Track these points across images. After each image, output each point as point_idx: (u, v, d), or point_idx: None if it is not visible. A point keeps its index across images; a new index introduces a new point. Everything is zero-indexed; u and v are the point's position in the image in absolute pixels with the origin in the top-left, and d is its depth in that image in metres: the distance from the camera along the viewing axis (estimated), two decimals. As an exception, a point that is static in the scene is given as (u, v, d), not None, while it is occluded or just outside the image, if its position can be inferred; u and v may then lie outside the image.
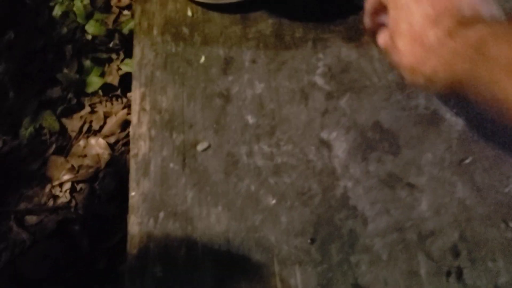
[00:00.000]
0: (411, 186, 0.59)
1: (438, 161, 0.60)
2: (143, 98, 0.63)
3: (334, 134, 0.61)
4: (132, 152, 0.61)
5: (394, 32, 0.47)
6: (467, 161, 0.59)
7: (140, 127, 0.62)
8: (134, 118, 0.63)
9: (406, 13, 0.46)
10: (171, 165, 0.60)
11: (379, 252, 0.56)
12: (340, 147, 0.61)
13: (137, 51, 0.66)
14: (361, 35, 0.65)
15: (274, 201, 0.58)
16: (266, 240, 0.57)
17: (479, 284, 0.54)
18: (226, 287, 0.55)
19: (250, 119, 0.62)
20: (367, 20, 0.54)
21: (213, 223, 0.58)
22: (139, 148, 0.61)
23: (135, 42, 0.67)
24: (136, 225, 0.57)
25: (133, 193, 0.59)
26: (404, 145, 0.60)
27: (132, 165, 0.61)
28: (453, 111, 0.62)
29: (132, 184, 0.60)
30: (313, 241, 0.57)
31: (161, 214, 0.58)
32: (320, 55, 0.64)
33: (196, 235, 0.57)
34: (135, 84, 0.64)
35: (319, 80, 0.64)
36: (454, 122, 0.61)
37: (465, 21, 0.42)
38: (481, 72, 0.39)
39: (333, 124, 0.62)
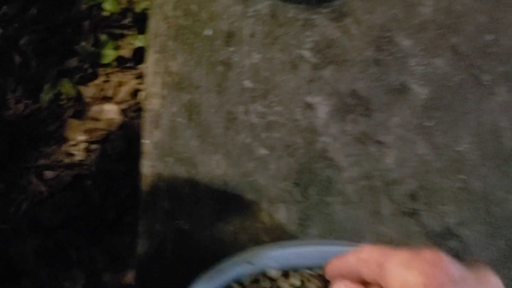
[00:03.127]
0: (380, 143, 0.68)
1: (404, 123, 0.69)
2: (157, 63, 0.72)
3: (317, 98, 0.70)
4: (146, 107, 0.70)
5: None
6: (429, 124, 0.69)
7: (153, 87, 0.71)
8: (149, 79, 0.71)
9: None
10: (179, 119, 0.69)
11: (350, 195, 0.65)
12: (322, 109, 0.70)
13: (152, 23, 0.75)
14: (344, 17, 0.74)
15: (265, 152, 0.67)
16: (257, 183, 0.66)
17: (432, 223, 0.64)
18: (223, 219, 0.64)
19: (247, 84, 0.71)
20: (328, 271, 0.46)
21: (213, 168, 0.66)
22: (152, 104, 0.70)
23: (151, 15, 0.76)
24: (148, 167, 0.66)
25: (146, 141, 0.68)
26: (376, 110, 0.70)
27: (146, 118, 0.69)
28: (419, 83, 0.71)
29: (145, 134, 0.69)
30: (296, 185, 0.66)
31: (170, 159, 0.67)
32: (309, 33, 0.73)
33: (198, 177, 0.66)
34: (150, 51, 0.73)
35: (307, 54, 0.73)
36: (419, 92, 0.70)
37: None
38: None
39: (317, 91, 0.71)
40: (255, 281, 0.56)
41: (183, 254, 0.61)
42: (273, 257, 0.54)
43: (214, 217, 0.63)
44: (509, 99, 0.69)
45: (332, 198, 0.64)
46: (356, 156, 0.66)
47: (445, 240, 0.62)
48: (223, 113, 0.69)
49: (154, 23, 0.74)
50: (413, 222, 0.63)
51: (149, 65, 0.71)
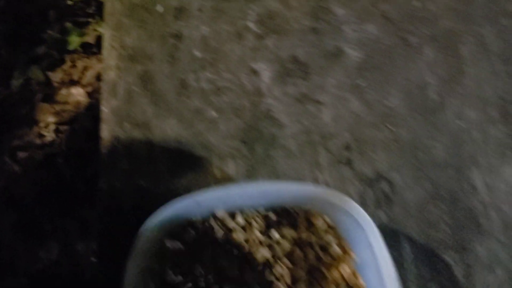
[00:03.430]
0: (317, 102, 0.75)
1: (339, 84, 0.76)
2: (112, 38, 0.78)
3: (261, 65, 0.77)
4: (103, 79, 0.76)
5: None
6: (361, 83, 0.76)
7: (110, 60, 0.77)
8: (105, 54, 0.77)
9: None
10: (134, 88, 0.75)
11: (292, 149, 0.72)
12: (266, 74, 0.76)
13: (108, 3, 0.81)
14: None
15: (215, 114, 0.74)
16: (208, 142, 0.72)
17: (364, 169, 0.71)
18: (178, 175, 0.70)
19: (197, 54, 0.77)
20: None
21: (167, 130, 0.72)
22: (109, 75, 0.76)
23: (106, -4, 0.82)
24: (107, 132, 0.72)
25: (104, 109, 0.74)
26: (314, 73, 0.76)
27: (104, 88, 0.75)
28: (353, 47, 0.78)
29: (103, 102, 0.74)
30: (243, 142, 0.72)
31: (127, 124, 0.73)
32: (252, 6, 0.80)
33: (154, 140, 0.72)
34: (106, 28, 0.79)
35: (251, 25, 0.79)
36: (353, 55, 0.77)
37: None
38: None
39: (261, 58, 0.77)
40: (205, 221, 0.62)
41: (142, 207, 0.67)
42: (219, 198, 0.60)
43: (169, 174, 0.69)
44: (435, 58, 0.76)
45: (276, 152, 0.70)
46: (296, 114, 0.73)
47: (377, 183, 0.69)
48: (175, 81, 0.75)
49: (110, 3, 0.79)
50: (347, 170, 0.70)
51: (105, 41, 0.77)
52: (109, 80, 0.74)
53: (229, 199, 0.60)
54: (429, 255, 0.65)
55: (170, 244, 0.59)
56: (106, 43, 0.76)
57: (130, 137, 0.71)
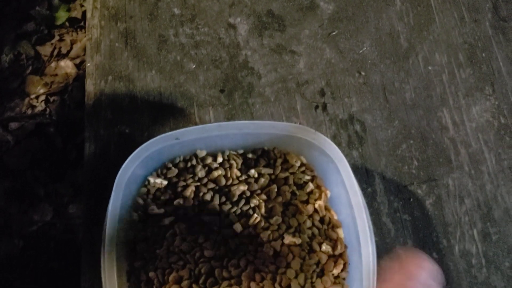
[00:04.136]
0: (293, 52, 0.78)
1: (313, 34, 0.79)
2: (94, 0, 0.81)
3: (238, 19, 0.80)
4: (87, 37, 0.79)
5: None
6: (334, 33, 0.79)
7: (93, 20, 0.80)
8: (88, 14, 0.80)
9: None
10: (117, 44, 0.78)
11: (268, 96, 0.75)
12: (243, 28, 0.79)
13: (89, -33, 0.84)
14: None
15: (194, 66, 0.77)
16: (188, 92, 0.75)
17: (338, 112, 0.74)
18: (159, 123, 0.73)
19: (176, 11, 0.80)
20: None
21: (148, 82, 0.75)
22: (93, 34, 0.79)
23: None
24: (91, 85, 0.75)
25: (88, 64, 0.76)
26: (289, 25, 0.79)
27: (88, 46, 0.78)
28: (326, 0, 0.81)
29: (87, 58, 0.77)
30: (222, 91, 0.75)
31: (110, 77, 0.75)
32: (228, -36, 0.83)
33: (136, 91, 0.75)
34: (88, -11, 0.82)
35: (228, -18, 0.82)
36: (326, 7, 0.80)
37: None
38: None
39: (238, 13, 0.80)
40: (187, 160, 0.65)
41: (125, 152, 0.69)
42: (200, 139, 0.63)
43: (151, 122, 0.72)
44: (405, 8, 0.79)
45: (253, 100, 0.73)
46: (273, 64, 0.76)
47: (350, 125, 0.72)
48: (156, 36, 0.78)
49: (91, -34, 0.82)
50: (322, 114, 0.73)
51: (89, 2, 0.80)
52: (93, 38, 0.77)
53: (209, 140, 0.63)
54: (401, 188, 0.68)
55: (153, 180, 0.62)
56: (89, 4, 0.79)
57: (113, 89, 0.73)
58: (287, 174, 0.65)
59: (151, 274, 0.56)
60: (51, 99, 1.07)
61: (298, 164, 0.66)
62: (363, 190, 0.66)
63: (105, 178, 0.68)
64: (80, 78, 1.07)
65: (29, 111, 1.06)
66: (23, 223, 0.96)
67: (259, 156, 0.66)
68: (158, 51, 0.76)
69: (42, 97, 1.07)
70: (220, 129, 0.62)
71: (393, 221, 0.67)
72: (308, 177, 0.65)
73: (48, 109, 1.06)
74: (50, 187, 0.98)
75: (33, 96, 1.07)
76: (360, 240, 0.55)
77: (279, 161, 0.66)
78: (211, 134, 0.61)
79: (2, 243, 0.94)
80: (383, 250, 0.65)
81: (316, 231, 0.61)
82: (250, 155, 0.66)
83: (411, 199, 0.68)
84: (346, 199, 0.60)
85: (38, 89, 1.07)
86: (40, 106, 1.06)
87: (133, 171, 0.60)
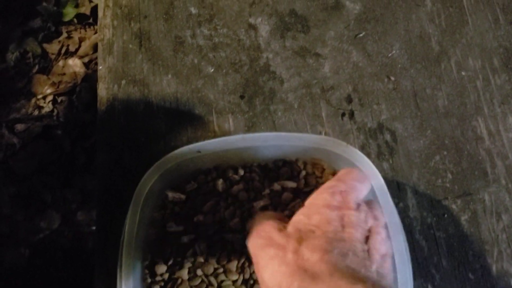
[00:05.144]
0: (317, 55, 0.73)
1: (339, 36, 0.74)
2: (107, -3, 0.76)
3: (259, 19, 0.75)
4: (99, 38, 0.74)
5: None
6: (361, 35, 0.74)
7: (105, 19, 0.75)
8: (100, 13, 0.75)
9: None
10: (130, 46, 0.73)
11: (291, 102, 0.70)
12: (264, 29, 0.75)
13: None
14: None
15: (212, 70, 0.72)
16: (206, 98, 0.71)
17: (366, 121, 0.69)
18: (176, 131, 0.69)
19: (193, 10, 0.75)
20: None
21: (164, 87, 0.71)
22: (105, 34, 0.74)
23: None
24: (104, 90, 0.71)
25: (100, 67, 0.72)
26: (313, 26, 0.75)
27: (100, 47, 0.74)
28: (352, 0, 0.76)
29: (100, 61, 0.73)
30: (242, 97, 0.71)
31: (123, 82, 0.71)
32: (248, -39, 0.78)
33: (151, 96, 0.70)
34: (100, -13, 0.77)
35: (248, -20, 0.77)
36: (352, 7, 0.76)
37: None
38: None
39: (259, 12, 0.76)
40: (207, 173, 0.61)
41: (140, 162, 0.65)
42: (221, 152, 0.59)
43: (167, 130, 0.68)
44: (436, 8, 0.74)
45: (275, 106, 0.69)
46: (296, 68, 0.71)
47: (380, 134, 0.67)
48: (172, 37, 0.73)
49: (103, -38, 0.77)
50: (349, 122, 0.68)
51: (100, 0, 0.75)
52: (105, 39, 0.72)
53: (231, 153, 0.59)
54: (434, 203, 0.64)
55: (172, 195, 0.57)
56: (101, 2, 0.74)
57: (127, 94, 0.69)
58: (311, 187, 0.61)
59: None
60: (59, 99, 1.03)
61: (325, 175, 0.61)
62: (394, 204, 0.62)
63: (119, 188, 0.64)
64: (89, 77, 1.03)
65: (36, 112, 1.01)
66: (29, 230, 0.92)
67: (282, 168, 0.62)
68: (174, 53, 0.71)
69: (49, 98, 1.02)
70: (244, 141, 0.57)
71: (426, 239, 0.62)
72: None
73: (55, 110, 1.01)
74: (57, 192, 0.94)
75: (40, 96, 1.02)
76: (396, 266, 0.51)
77: (303, 173, 0.62)
78: (234, 146, 0.56)
79: (8, 251, 0.90)
80: (416, 270, 0.61)
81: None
82: (272, 167, 0.62)
83: (445, 215, 0.63)
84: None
85: (45, 89, 1.03)
86: (47, 107, 1.01)
87: (151, 185, 0.55)
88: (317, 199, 0.43)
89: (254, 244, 0.41)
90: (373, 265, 0.39)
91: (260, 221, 0.43)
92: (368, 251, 0.40)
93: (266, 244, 0.40)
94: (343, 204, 0.42)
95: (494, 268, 0.62)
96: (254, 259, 0.41)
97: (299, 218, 0.41)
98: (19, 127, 0.98)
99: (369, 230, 0.42)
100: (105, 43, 0.72)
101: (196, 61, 0.71)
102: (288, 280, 0.35)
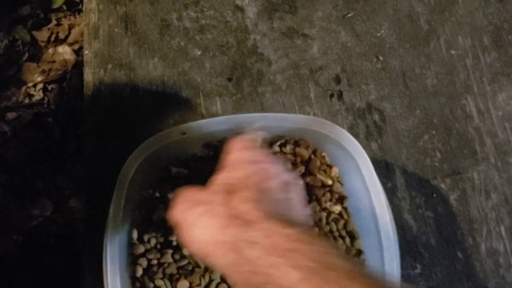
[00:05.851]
0: (305, 35, 0.72)
1: (327, 16, 0.73)
2: (91, -19, 0.75)
3: (246, 1, 0.74)
4: (84, 22, 0.73)
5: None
6: (349, 15, 0.73)
7: (90, 3, 0.74)
8: (85, -3, 0.75)
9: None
10: (116, 29, 0.72)
11: (280, 84, 0.69)
12: (251, 10, 0.74)
13: None
14: None
15: (199, 52, 0.71)
16: (193, 80, 0.70)
17: (355, 101, 0.68)
18: (163, 114, 0.68)
19: (179, -7, 0.74)
20: None
21: (151, 70, 0.70)
22: (90, 18, 0.73)
23: None
24: (90, 74, 0.70)
25: (86, 52, 0.71)
26: (300, 6, 0.74)
27: (85, 31, 0.73)
28: (339, -21, 0.75)
29: (85, 45, 0.72)
30: (230, 79, 0.70)
31: (109, 66, 0.70)
32: None
33: (137, 80, 0.70)
34: (84, -30, 0.76)
35: (234, -39, 0.76)
36: (340, -13, 0.74)
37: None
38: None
39: (245, -6, 0.74)
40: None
41: (127, 146, 0.64)
42: (207, 133, 0.58)
43: (154, 113, 0.67)
44: (424, -12, 0.73)
45: (263, 88, 0.68)
46: (283, 49, 0.70)
47: (368, 114, 0.67)
48: (158, 20, 0.72)
49: None
50: (338, 102, 0.67)
51: (85, -17, 0.74)
52: (91, 24, 0.71)
53: (218, 134, 0.58)
54: (423, 183, 0.63)
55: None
56: (85, -15, 0.73)
57: (113, 78, 0.68)
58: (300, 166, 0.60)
59: (158, 282, 0.51)
60: (49, 87, 1.02)
61: (315, 159, 0.61)
62: (383, 184, 0.61)
63: (106, 173, 0.63)
64: (79, 65, 1.02)
65: (26, 100, 1.01)
66: (22, 218, 0.91)
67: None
68: (161, 36, 0.71)
69: (40, 86, 1.01)
70: (229, 123, 0.57)
71: (415, 218, 0.62)
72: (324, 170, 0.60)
73: (46, 98, 1.00)
74: (49, 180, 0.94)
75: (30, 84, 1.02)
76: (382, 244, 0.51)
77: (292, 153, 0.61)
78: (220, 128, 0.56)
79: (1, 239, 0.90)
80: (404, 250, 0.61)
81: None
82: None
83: (434, 194, 0.63)
84: (366, 199, 0.55)
85: (35, 77, 1.02)
86: (37, 95, 1.01)
87: (136, 169, 0.55)
88: (237, 157, 0.44)
89: (178, 210, 0.41)
90: (296, 211, 0.42)
91: (181, 191, 0.43)
92: (290, 199, 0.42)
93: (192, 206, 0.40)
94: (261, 159, 0.44)
95: (483, 246, 0.61)
96: (179, 225, 0.41)
97: (223, 175, 0.42)
98: (10, 115, 0.97)
99: (287, 182, 0.43)
100: (91, 27, 0.71)
101: (182, 44, 0.70)
102: (222, 230, 0.36)
